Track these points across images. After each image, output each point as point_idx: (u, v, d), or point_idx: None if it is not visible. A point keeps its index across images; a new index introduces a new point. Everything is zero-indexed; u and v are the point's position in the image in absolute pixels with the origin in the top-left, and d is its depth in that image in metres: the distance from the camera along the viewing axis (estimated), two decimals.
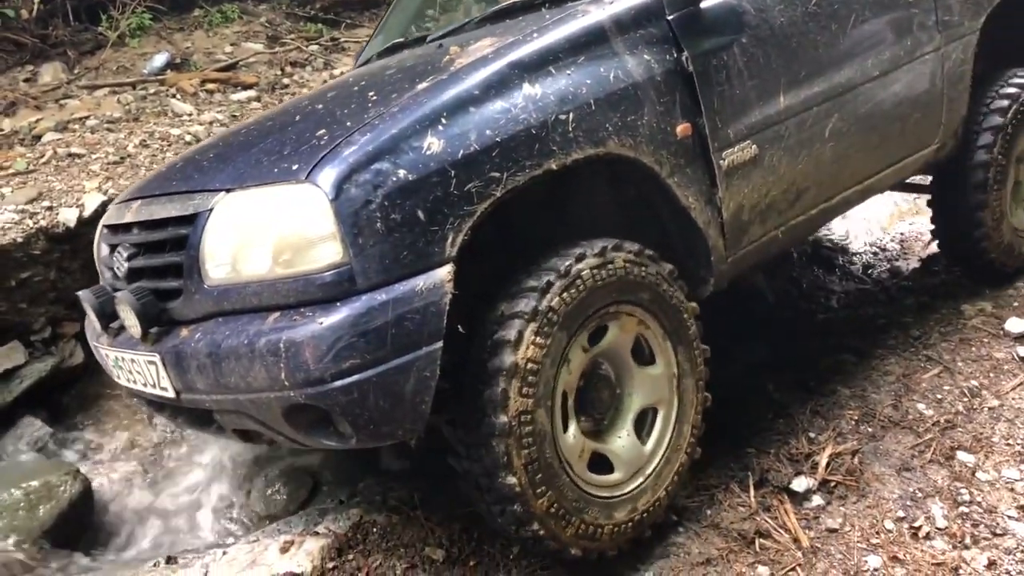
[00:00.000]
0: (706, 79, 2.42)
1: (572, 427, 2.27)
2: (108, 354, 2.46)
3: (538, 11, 2.58)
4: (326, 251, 1.92)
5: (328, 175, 1.92)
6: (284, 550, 2.57)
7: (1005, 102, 3.39)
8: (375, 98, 2.23)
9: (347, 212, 1.90)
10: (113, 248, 2.48)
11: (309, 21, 7.09)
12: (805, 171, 2.70)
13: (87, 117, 4.96)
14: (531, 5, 2.64)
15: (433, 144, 1.98)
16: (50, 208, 3.86)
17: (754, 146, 2.54)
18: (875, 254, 4.67)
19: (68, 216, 3.79)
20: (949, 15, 3.13)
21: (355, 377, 1.87)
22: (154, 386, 2.28)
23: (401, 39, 3.17)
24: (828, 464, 2.68)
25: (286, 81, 5.76)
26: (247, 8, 7.09)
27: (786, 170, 2.64)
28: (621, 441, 2.38)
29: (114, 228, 2.52)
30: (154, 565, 2.72)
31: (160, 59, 5.83)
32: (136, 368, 2.33)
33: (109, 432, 3.69)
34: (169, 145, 4.55)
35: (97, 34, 6.19)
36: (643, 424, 2.44)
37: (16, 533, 2.97)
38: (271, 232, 1.98)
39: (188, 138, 4.65)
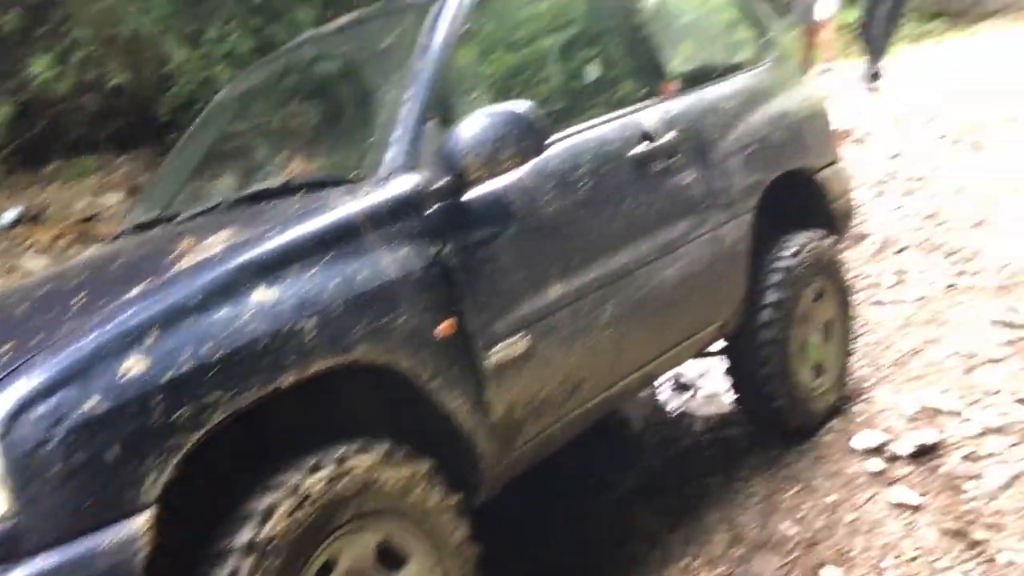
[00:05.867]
0: (470, 273, 2.27)
1: None
2: None
3: (292, 196, 2.39)
4: None
5: None
6: None
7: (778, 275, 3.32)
8: (83, 301, 1.93)
9: (17, 453, 1.57)
10: None
11: None
12: (580, 362, 2.57)
13: None
14: (287, 190, 2.44)
15: (135, 365, 1.70)
16: None
17: (528, 337, 2.39)
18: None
19: None
20: (720, 197, 3.11)
21: None
22: None
23: (155, 215, 2.89)
24: None
25: None
26: (106, 161, 6.73)
27: (561, 362, 2.50)
28: None
29: None
30: None
31: (10, 214, 5.67)
32: None
33: None
34: None
35: None
36: None
37: None
38: None
39: None
